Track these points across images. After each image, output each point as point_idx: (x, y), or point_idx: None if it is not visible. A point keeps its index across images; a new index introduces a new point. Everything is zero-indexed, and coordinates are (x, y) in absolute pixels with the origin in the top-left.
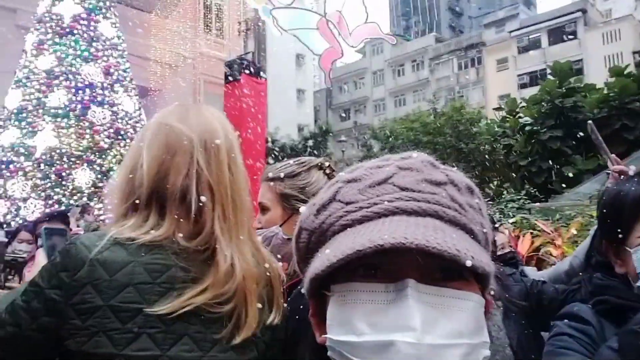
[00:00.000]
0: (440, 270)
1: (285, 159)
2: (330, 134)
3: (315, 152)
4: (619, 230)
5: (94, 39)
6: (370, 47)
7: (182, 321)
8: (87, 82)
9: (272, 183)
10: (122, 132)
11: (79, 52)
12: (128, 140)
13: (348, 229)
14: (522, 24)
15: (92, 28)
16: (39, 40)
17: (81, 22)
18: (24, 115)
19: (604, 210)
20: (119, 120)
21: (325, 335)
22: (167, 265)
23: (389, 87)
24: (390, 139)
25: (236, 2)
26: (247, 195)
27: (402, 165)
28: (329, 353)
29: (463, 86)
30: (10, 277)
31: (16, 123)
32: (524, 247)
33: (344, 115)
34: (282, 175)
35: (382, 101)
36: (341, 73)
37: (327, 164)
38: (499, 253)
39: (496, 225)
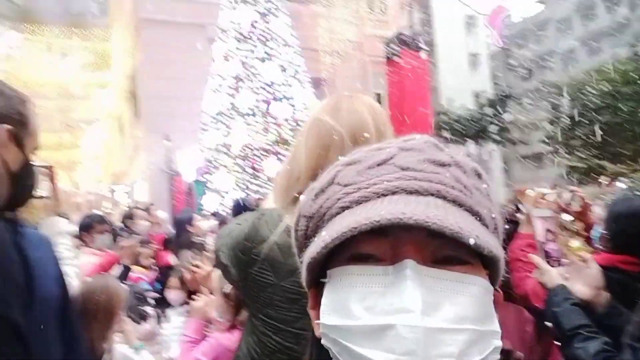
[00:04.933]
0: (443, 254)
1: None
2: (512, 98)
3: (495, 119)
4: None
5: (269, 39)
6: None
7: None
8: (267, 81)
9: None
10: (301, 123)
11: (257, 54)
12: None
13: (346, 211)
14: None
15: (266, 30)
16: (224, 48)
17: (256, 25)
18: (220, 117)
19: None
20: (298, 112)
21: (318, 321)
22: None
23: (579, 36)
24: (583, 94)
25: None
26: None
27: (404, 146)
28: (322, 341)
29: None
30: (197, 256)
31: (215, 125)
32: None
33: (526, 75)
34: None
35: (571, 53)
36: (520, 28)
37: None
38: None
39: None
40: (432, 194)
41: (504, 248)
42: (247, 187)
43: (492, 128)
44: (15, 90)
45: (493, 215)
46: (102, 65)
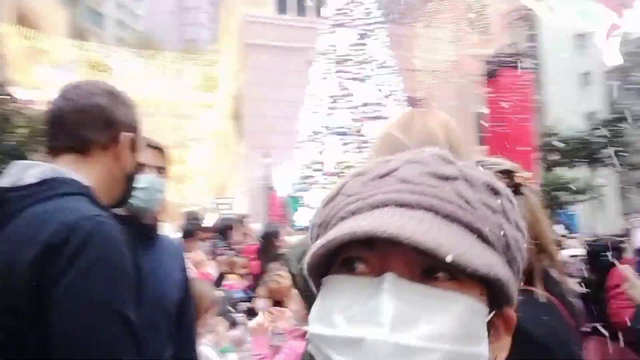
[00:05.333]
0: (431, 269)
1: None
2: (630, 119)
3: (608, 142)
4: None
5: (366, 60)
6: None
7: None
8: (362, 102)
9: None
10: None
11: (354, 75)
12: None
13: (342, 221)
14: None
15: (363, 51)
16: (322, 70)
17: (354, 47)
18: (315, 135)
19: None
20: None
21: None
22: None
23: None
24: None
25: None
26: None
27: (411, 159)
28: (308, 347)
29: None
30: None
31: (309, 143)
32: None
33: None
34: None
35: None
36: (639, 45)
37: (515, 171)
38: None
39: None
40: (425, 208)
41: (603, 277)
42: None
43: (606, 151)
44: (130, 98)
45: (503, 233)
46: (210, 87)
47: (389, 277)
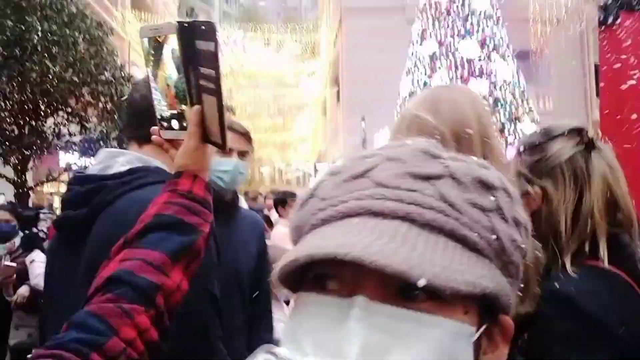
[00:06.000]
0: (408, 288)
1: None
2: None
3: None
4: None
5: (469, 15)
6: None
7: None
8: (465, 58)
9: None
10: (500, 101)
11: (456, 32)
12: (507, 108)
13: (314, 229)
14: None
15: (466, 5)
16: (422, 28)
17: (456, 2)
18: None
19: None
20: (497, 89)
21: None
22: None
23: None
24: None
25: None
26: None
27: (390, 155)
28: None
29: None
30: None
31: None
32: None
33: None
34: (522, 147)
35: None
36: None
37: (584, 128)
38: None
39: None
40: (400, 217)
41: None
42: None
43: None
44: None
45: (496, 236)
46: (311, 55)
47: (359, 301)
